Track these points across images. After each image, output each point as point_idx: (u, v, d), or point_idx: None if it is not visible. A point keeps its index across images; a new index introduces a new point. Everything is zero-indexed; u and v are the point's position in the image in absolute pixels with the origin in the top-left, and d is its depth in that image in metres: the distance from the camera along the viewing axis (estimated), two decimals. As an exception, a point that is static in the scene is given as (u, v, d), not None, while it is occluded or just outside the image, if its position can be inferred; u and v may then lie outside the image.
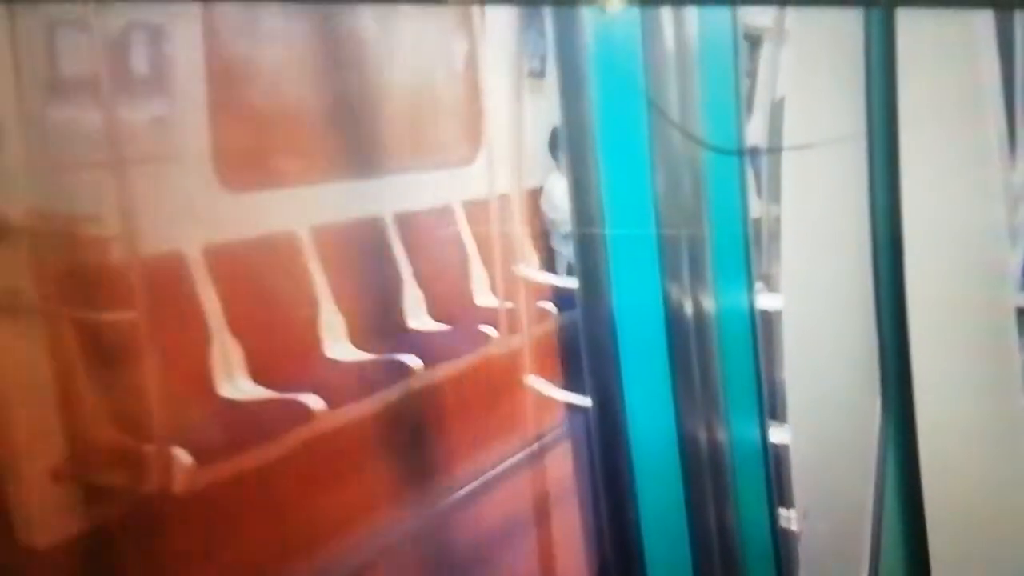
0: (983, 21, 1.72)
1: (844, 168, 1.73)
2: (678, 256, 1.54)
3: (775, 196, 1.77)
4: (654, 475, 1.52)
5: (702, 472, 1.55)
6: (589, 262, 1.52)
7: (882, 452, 1.68)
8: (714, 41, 1.61)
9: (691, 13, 1.57)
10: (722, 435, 1.57)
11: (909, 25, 1.65)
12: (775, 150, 1.90)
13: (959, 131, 1.69)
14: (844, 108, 1.74)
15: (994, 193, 1.69)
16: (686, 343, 1.55)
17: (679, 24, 1.56)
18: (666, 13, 1.55)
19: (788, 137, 1.78)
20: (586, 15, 1.50)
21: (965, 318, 1.67)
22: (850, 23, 1.68)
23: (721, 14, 1.62)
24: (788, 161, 1.78)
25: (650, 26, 1.55)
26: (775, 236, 1.73)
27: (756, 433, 1.65)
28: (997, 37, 1.75)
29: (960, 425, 1.67)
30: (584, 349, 1.53)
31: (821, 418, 1.67)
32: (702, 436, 1.56)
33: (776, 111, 1.93)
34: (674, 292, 1.53)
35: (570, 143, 1.52)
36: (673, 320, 1.53)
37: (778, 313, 1.68)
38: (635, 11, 1.54)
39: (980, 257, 1.67)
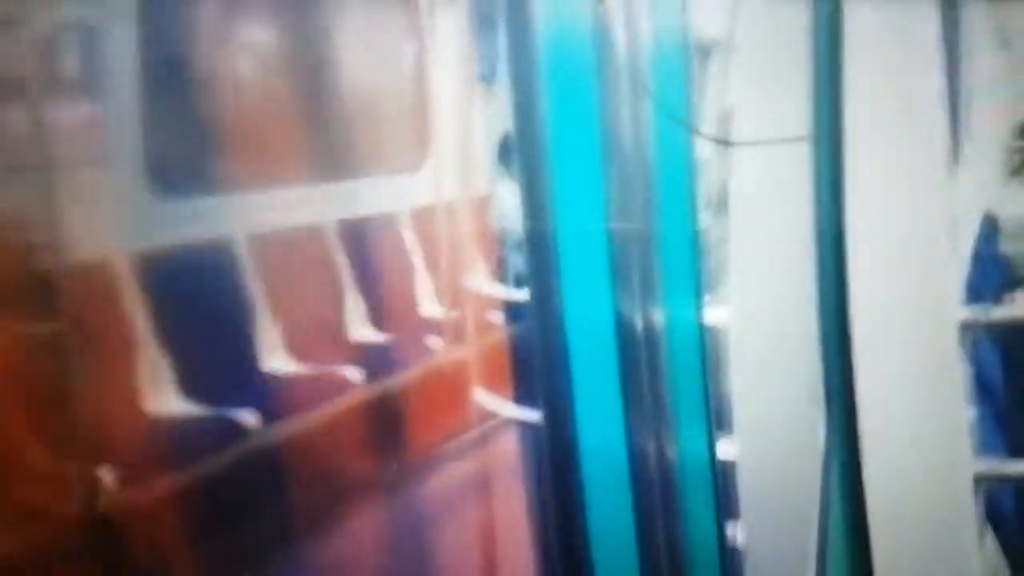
0: (927, 34, 1.73)
1: (791, 180, 1.74)
2: (628, 268, 1.53)
3: (723, 208, 1.76)
4: (604, 489, 1.50)
5: (651, 486, 1.53)
6: (540, 274, 1.50)
7: (826, 465, 1.67)
8: (666, 51, 1.60)
9: (643, 22, 1.56)
10: (671, 449, 1.55)
11: (853, 45, 1.67)
12: (724, 161, 1.89)
13: (903, 145, 1.71)
14: (791, 118, 1.74)
15: (937, 207, 1.71)
16: (636, 356, 1.53)
17: (632, 33, 1.55)
18: (619, 21, 1.53)
19: (736, 149, 1.78)
20: (539, 20, 1.48)
21: (908, 331, 1.68)
22: (797, 34, 1.68)
23: (672, 22, 1.61)
24: (736, 173, 1.77)
25: (602, 34, 1.53)
26: (723, 249, 1.73)
27: (704, 447, 1.64)
28: (944, 51, 1.78)
29: (903, 438, 1.68)
30: (536, 362, 1.50)
31: (767, 432, 1.66)
32: (651, 450, 1.54)
33: (724, 122, 1.92)
34: (625, 305, 1.52)
35: (522, 152, 1.50)
36: (624, 333, 1.52)
37: (725, 326, 1.67)
38: (586, 17, 1.52)
39: (923, 271, 1.69)
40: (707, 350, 1.65)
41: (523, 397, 1.78)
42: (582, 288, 1.49)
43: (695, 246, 1.67)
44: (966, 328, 1.71)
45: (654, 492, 1.53)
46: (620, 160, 1.54)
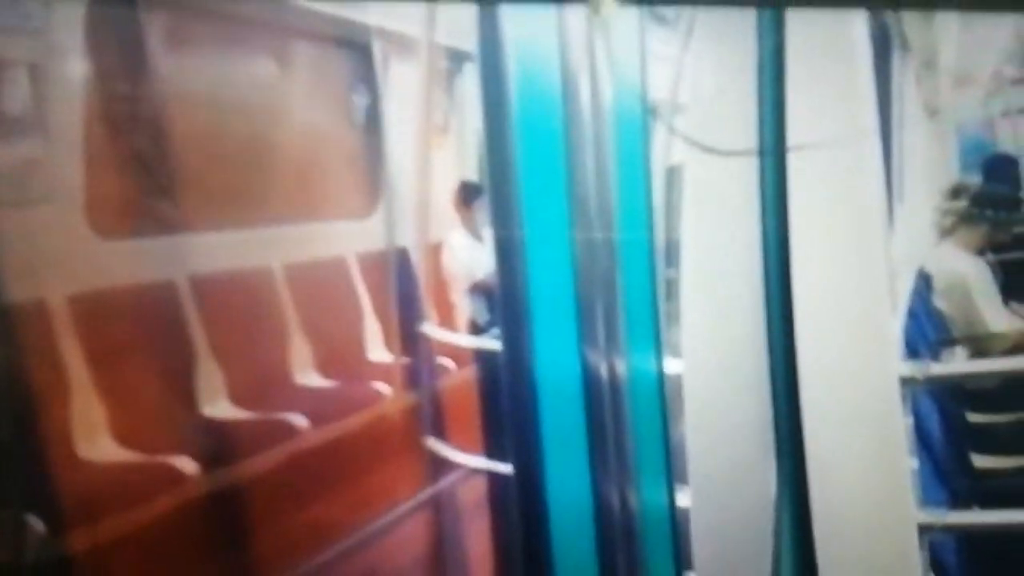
0: (863, 106, 1.82)
1: (739, 236, 1.79)
2: (594, 321, 1.55)
3: (675, 260, 1.80)
4: (569, 539, 1.48)
5: (615, 536, 1.52)
6: (510, 324, 1.50)
7: (778, 516, 1.69)
8: (626, 105, 1.65)
9: (606, 81, 1.61)
10: (633, 500, 1.55)
11: (794, 112, 1.74)
12: (674, 212, 1.94)
13: (843, 206, 1.78)
14: (740, 176, 1.80)
15: (877, 264, 1.78)
16: (602, 406, 1.53)
17: (595, 86, 1.59)
18: (583, 79, 1.58)
19: (686, 202, 1.83)
20: (510, 66, 1.51)
21: (853, 386, 1.73)
22: (742, 99, 1.75)
23: (631, 83, 1.67)
24: (686, 228, 1.82)
25: (570, 92, 1.58)
26: (675, 299, 1.76)
27: (664, 498, 1.64)
28: (879, 117, 1.87)
29: (850, 489, 1.71)
30: (506, 413, 1.49)
31: (720, 483, 1.68)
32: (615, 501, 1.54)
33: (671, 178, 1.97)
34: (591, 357, 1.53)
35: (492, 198, 1.52)
36: (590, 385, 1.52)
37: (679, 378, 1.69)
38: (555, 72, 1.56)
39: (865, 327, 1.75)
40: (666, 398, 1.67)
41: (491, 447, 1.77)
42: (550, 337, 1.50)
43: (655, 294, 1.70)
44: (906, 382, 1.77)
45: (617, 543, 1.52)
46: (584, 209, 1.57)
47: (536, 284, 1.49)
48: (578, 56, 1.58)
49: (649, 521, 1.60)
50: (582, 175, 1.55)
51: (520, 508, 1.47)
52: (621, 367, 1.58)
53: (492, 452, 1.79)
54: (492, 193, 1.50)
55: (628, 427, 1.57)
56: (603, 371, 1.55)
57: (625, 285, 1.60)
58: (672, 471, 1.67)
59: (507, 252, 1.51)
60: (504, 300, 1.50)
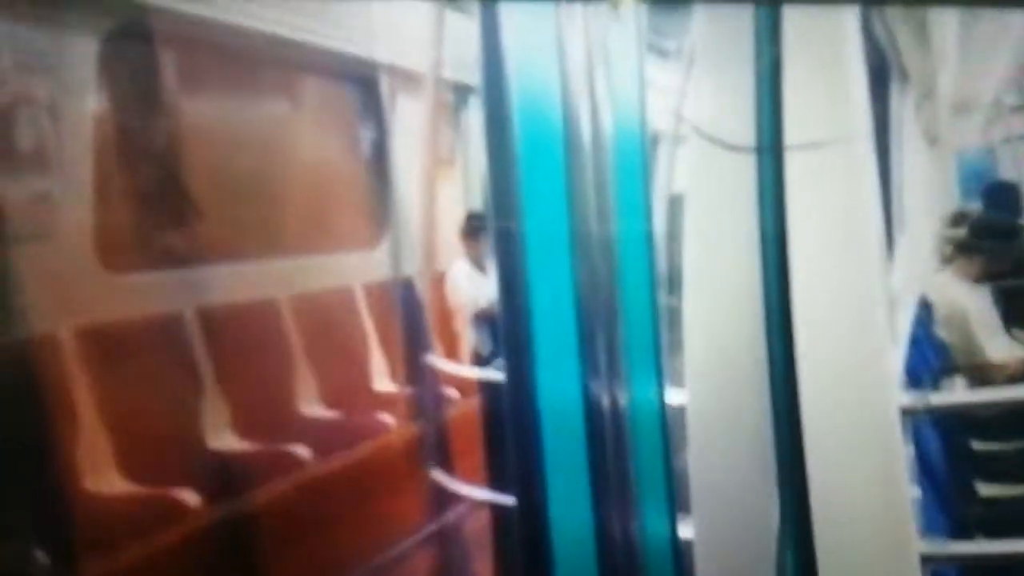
0: (862, 134, 1.83)
1: (740, 266, 1.79)
2: (596, 351, 1.56)
3: (676, 289, 1.81)
4: (571, 570, 1.48)
5: (617, 568, 1.52)
6: (514, 357, 1.52)
7: (780, 546, 1.69)
8: (625, 135, 1.67)
9: (606, 106, 1.63)
10: (635, 530, 1.55)
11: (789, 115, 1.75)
12: (675, 242, 1.95)
13: (843, 233, 1.79)
14: (739, 207, 1.81)
15: (876, 294, 1.78)
16: (604, 435, 1.54)
17: (595, 117, 1.62)
18: (583, 106, 1.60)
19: (688, 232, 1.84)
20: (512, 97, 1.54)
21: (854, 417, 1.72)
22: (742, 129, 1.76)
23: (631, 111, 1.69)
24: (688, 257, 1.83)
25: (571, 122, 1.60)
26: (678, 330, 1.77)
27: (667, 529, 1.64)
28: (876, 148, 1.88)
29: (852, 519, 1.70)
30: (508, 443, 1.51)
31: (723, 513, 1.67)
32: (617, 532, 1.54)
33: (673, 207, 1.99)
34: (593, 387, 1.54)
35: (496, 228, 1.54)
36: (592, 415, 1.54)
37: (682, 405, 1.70)
38: (556, 103, 1.59)
39: (865, 358, 1.74)
40: (667, 429, 1.67)
41: (493, 477, 1.77)
42: (552, 367, 1.51)
43: (656, 324, 1.71)
44: (907, 412, 1.76)
45: (620, 574, 1.52)
46: (586, 237, 1.59)
47: (538, 314, 1.51)
48: (579, 86, 1.61)
49: (651, 551, 1.60)
50: (583, 205, 1.57)
51: (522, 539, 1.48)
52: (623, 397, 1.59)
53: (495, 483, 1.79)
54: (494, 224, 1.52)
55: (630, 457, 1.57)
56: (605, 401, 1.56)
57: (626, 314, 1.62)
58: (675, 501, 1.67)
59: (509, 282, 1.53)
60: (506, 330, 1.52)
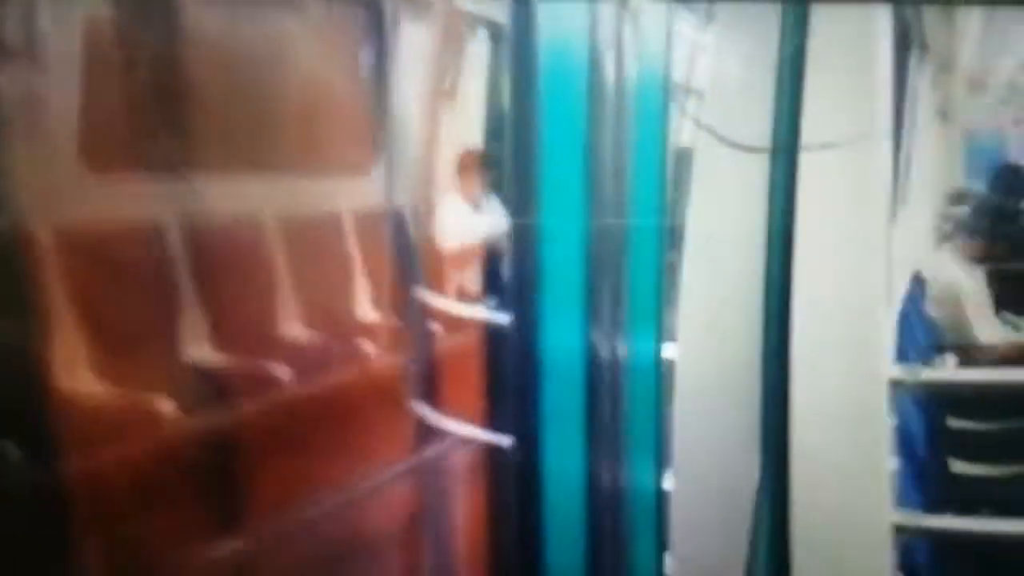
0: (881, 101, 1.80)
1: (743, 225, 1.78)
2: (600, 302, 1.55)
3: (677, 243, 1.79)
4: (560, 509, 1.49)
5: (603, 510, 1.53)
6: (521, 303, 1.51)
7: (757, 505, 1.70)
8: (647, 93, 1.64)
9: (631, 61, 1.60)
10: (623, 477, 1.56)
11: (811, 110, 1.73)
12: (679, 198, 1.92)
13: (850, 204, 1.77)
14: (748, 165, 1.79)
15: (877, 265, 1.77)
16: (601, 386, 1.54)
17: (620, 66, 1.58)
18: (609, 58, 1.56)
19: (694, 188, 1.82)
20: (540, 35, 1.50)
21: (842, 383, 1.73)
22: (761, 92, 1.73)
23: (655, 65, 1.65)
24: (691, 213, 1.81)
25: (595, 71, 1.57)
26: (675, 285, 1.75)
27: (652, 478, 1.65)
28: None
29: (829, 483, 1.72)
30: (508, 385, 1.50)
31: (703, 467, 1.68)
32: (606, 478, 1.54)
33: (680, 160, 1.96)
34: (595, 337, 1.54)
35: (514, 167, 1.52)
36: (592, 364, 1.53)
37: (672, 362, 1.69)
38: (583, 50, 1.55)
39: (860, 327, 1.74)
40: (662, 384, 1.67)
41: (488, 416, 1.77)
42: (557, 315, 1.50)
43: (660, 280, 1.70)
44: (896, 385, 1.77)
45: (605, 516, 1.53)
46: (601, 184, 1.56)
47: (547, 262, 1.50)
48: (606, 32, 1.56)
49: (637, 498, 1.61)
50: (600, 157, 1.54)
51: (515, 477, 1.48)
52: (623, 349, 1.58)
53: (489, 421, 1.78)
54: (512, 169, 1.49)
55: (624, 407, 1.57)
56: (605, 352, 1.56)
57: (632, 269, 1.60)
58: (663, 453, 1.68)
59: (521, 228, 1.51)
60: (515, 276, 1.50)
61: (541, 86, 1.49)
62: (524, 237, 1.49)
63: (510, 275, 1.53)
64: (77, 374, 2.04)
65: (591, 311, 1.53)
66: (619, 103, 1.57)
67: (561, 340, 1.50)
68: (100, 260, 2.14)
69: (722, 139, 1.70)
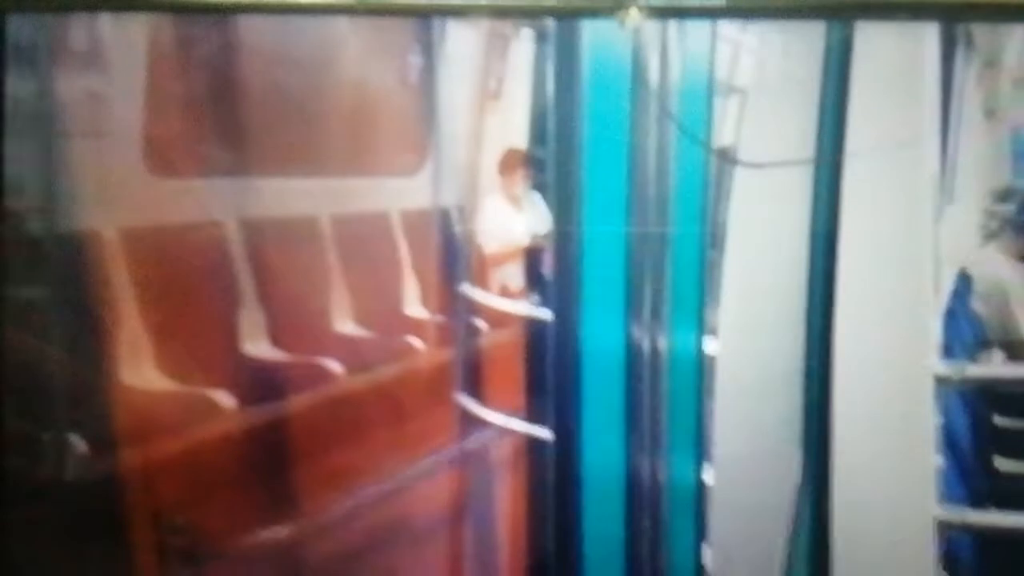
0: (929, 101, 1.81)
1: (788, 221, 1.80)
2: (642, 298, 1.59)
3: (719, 242, 1.82)
4: (599, 501, 1.54)
5: (642, 503, 1.57)
6: (563, 299, 1.56)
7: (799, 500, 1.72)
8: (692, 89, 1.67)
9: (676, 55, 1.63)
10: (662, 472, 1.60)
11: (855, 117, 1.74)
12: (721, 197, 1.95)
13: (895, 200, 1.78)
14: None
15: (923, 261, 1.78)
16: (641, 382, 1.59)
17: (664, 66, 1.61)
18: (653, 53, 1.60)
19: (736, 189, 1.84)
20: (584, 46, 1.54)
21: (887, 380, 1.74)
22: (807, 79, 1.75)
23: (700, 67, 1.68)
24: (734, 210, 1.83)
25: (639, 63, 1.60)
26: (717, 281, 1.78)
27: (692, 473, 1.68)
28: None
29: (873, 481, 1.73)
30: (549, 379, 1.56)
31: (744, 463, 1.70)
32: (645, 471, 1.59)
33: (723, 159, 1.98)
34: (636, 332, 1.58)
35: (556, 168, 1.57)
36: (632, 359, 1.58)
37: (714, 357, 1.72)
38: (626, 45, 1.58)
39: (906, 323, 1.76)
40: (703, 380, 1.71)
41: (529, 409, 1.82)
42: (598, 311, 1.55)
43: (702, 278, 1.73)
44: (940, 382, 1.78)
45: (644, 510, 1.57)
46: (643, 185, 1.60)
47: (589, 259, 1.54)
48: (649, 37, 1.60)
49: (676, 492, 1.64)
50: (643, 160, 1.58)
51: (555, 469, 1.53)
52: (663, 344, 1.62)
53: (530, 414, 1.84)
54: (555, 173, 1.54)
55: (665, 402, 1.61)
56: (646, 346, 1.60)
57: (674, 268, 1.64)
58: (703, 448, 1.71)
59: (564, 227, 1.56)
60: (557, 276, 1.56)
61: (584, 90, 1.53)
62: (567, 240, 1.54)
63: (552, 274, 1.58)
64: (141, 369, 2.14)
65: (632, 308, 1.57)
66: (662, 106, 1.61)
67: (602, 336, 1.55)
68: (163, 259, 2.25)
69: (761, 166, 1.73)
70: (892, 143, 1.73)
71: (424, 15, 1.94)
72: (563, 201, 1.56)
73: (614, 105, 1.59)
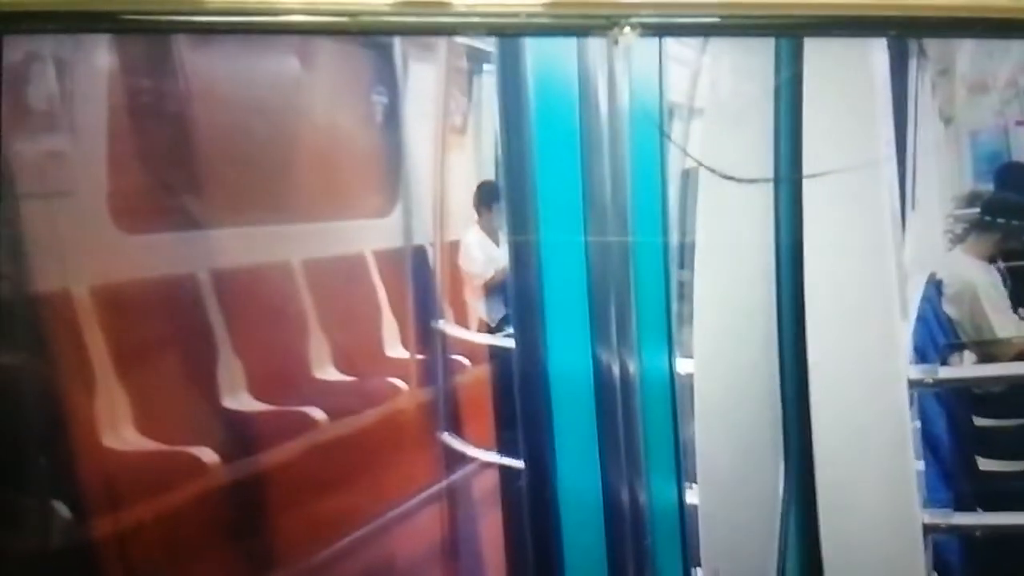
0: (880, 107, 1.85)
1: (753, 238, 1.82)
2: (607, 320, 1.60)
3: (688, 262, 1.84)
4: (579, 532, 1.53)
5: (624, 532, 1.57)
6: (525, 325, 1.56)
7: (784, 515, 1.73)
8: (642, 112, 1.69)
9: (623, 83, 1.65)
10: (642, 496, 1.60)
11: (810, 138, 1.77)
12: (687, 217, 1.97)
13: (857, 211, 1.81)
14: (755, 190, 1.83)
15: (888, 269, 1.81)
16: (613, 405, 1.58)
17: (612, 86, 1.63)
18: (601, 80, 1.62)
19: (700, 205, 1.86)
20: (529, 66, 1.56)
21: (862, 389, 1.76)
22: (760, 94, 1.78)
23: (650, 82, 1.70)
24: (700, 230, 1.85)
25: (587, 84, 1.62)
26: (688, 300, 1.79)
27: (674, 496, 1.68)
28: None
29: (857, 490, 1.75)
30: (519, 409, 1.55)
31: (728, 481, 1.71)
32: (625, 497, 1.58)
33: (686, 180, 2.01)
34: (603, 355, 1.58)
35: (509, 200, 1.58)
36: (602, 383, 1.58)
37: (691, 376, 1.73)
38: (573, 68, 1.60)
39: (875, 331, 1.78)
40: (677, 399, 1.71)
41: (503, 442, 1.82)
42: (563, 335, 1.55)
43: (668, 296, 1.74)
44: (914, 385, 1.80)
45: (627, 538, 1.57)
46: (600, 210, 1.61)
47: (550, 282, 1.54)
48: (597, 55, 1.62)
49: (658, 517, 1.64)
50: (599, 176, 1.59)
51: (531, 502, 1.52)
52: (633, 366, 1.62)
53: (505, 447, 1.84)
54: (508, 191, 1.55)
55: (638, 425, 1.61)
56: (615, 369, 1.60)
57: (638, 285, 1.65)
58: (682, 469, 1.71)
59: (521, 251, 1.56)
60: (518, 298, 1.55)
61: (532, 115, 1.55)
62: (524, 258, 1.54)
63: (512, 296, 1.58)
64: (120, 431, 2.12)
65: (597, 327, 1.57)
66: (613, 122, 1.63)
67: (568, 358, 1.55)
68: (136, 316, 2.23)
69: (723, 175, 1.75)
70: (849, 157, 1.76)
71: (417, 34, 1.94)
72: (519, 221, 1.57)
73: (564, 122, 1.61)
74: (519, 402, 1.53)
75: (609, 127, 1.65)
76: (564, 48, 1.66)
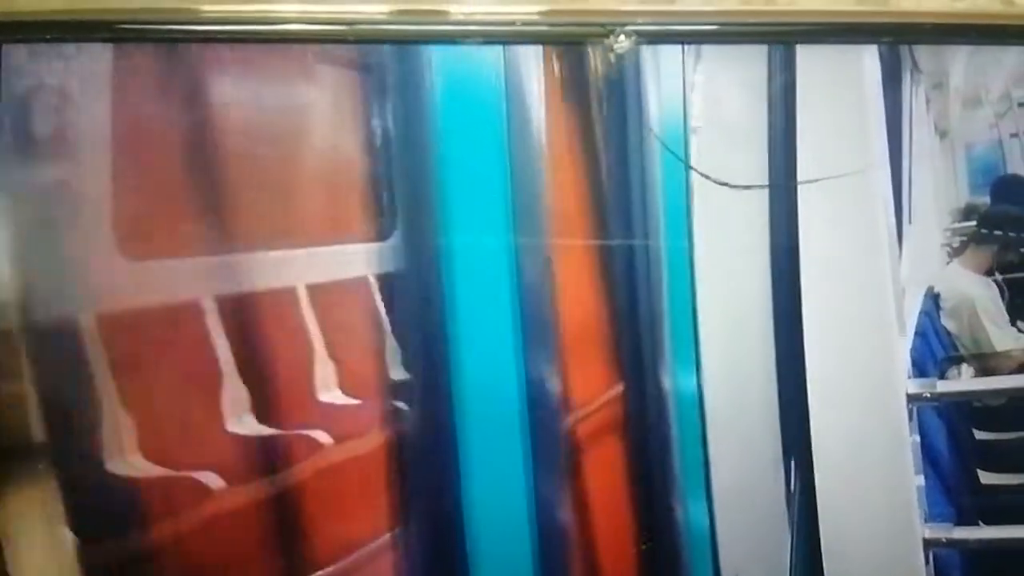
0: (874, 121, 1.86)
1: (749, 253, 1.83)
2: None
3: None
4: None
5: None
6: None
7: (791, 527, 1.74)
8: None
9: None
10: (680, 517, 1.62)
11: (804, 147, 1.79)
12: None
13: (852, 226, 1.82)
14: (749, 195, 1.85)
15: (885, 284, 1.82)
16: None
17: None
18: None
19: (697, 219, 1.88)
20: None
21: (861, 404, 1.77)
22: (755, 123, 1.80)
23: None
24: (697, 240, 1.86)
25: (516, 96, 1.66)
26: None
27: (704, 511, 1.70)
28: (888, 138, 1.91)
29: (858, 506, 1.75)
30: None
31: (741, 495, 1.72)
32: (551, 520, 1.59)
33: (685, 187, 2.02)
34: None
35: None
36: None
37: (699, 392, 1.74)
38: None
39: (875, 345, 1.79)
40: (706, 420, 1.73)
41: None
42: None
43: (695, 319, 1.76)
44: (913, 399, 1.81)
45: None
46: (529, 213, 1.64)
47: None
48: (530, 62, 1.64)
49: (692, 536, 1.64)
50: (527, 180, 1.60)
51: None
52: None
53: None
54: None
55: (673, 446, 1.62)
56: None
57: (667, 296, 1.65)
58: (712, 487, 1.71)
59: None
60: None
61: (436, 115, 1.56)
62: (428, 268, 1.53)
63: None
64: (127, 457, 2.13)
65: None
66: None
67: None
68: (142, 342, 2.25)
69: (717, 181, 1.77)
70: (843, 170, 1.77)
71: (412, 42, 1.96)
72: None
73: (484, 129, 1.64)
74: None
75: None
76: (489, 55, 1.69)
